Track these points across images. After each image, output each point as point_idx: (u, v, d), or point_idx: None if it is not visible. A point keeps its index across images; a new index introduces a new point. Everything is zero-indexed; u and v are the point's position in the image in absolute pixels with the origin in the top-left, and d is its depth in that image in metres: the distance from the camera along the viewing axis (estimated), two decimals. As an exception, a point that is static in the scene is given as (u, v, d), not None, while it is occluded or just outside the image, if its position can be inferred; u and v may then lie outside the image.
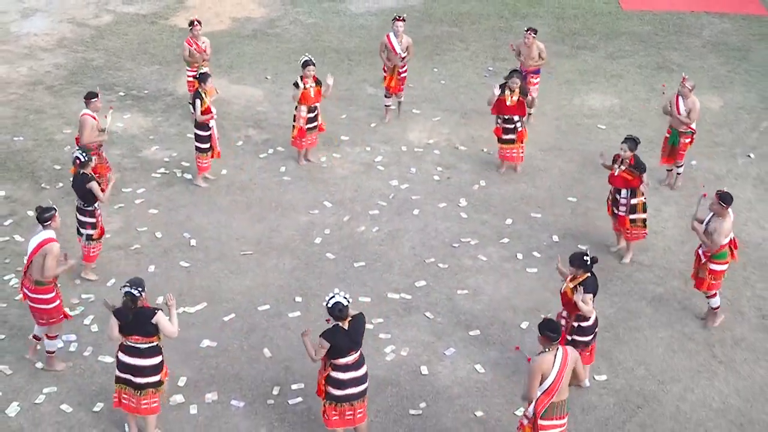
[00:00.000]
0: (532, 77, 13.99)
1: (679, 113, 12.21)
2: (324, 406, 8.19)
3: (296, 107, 13.00)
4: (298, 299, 10.66)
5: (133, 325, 8.00)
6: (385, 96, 14.56)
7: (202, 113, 12.26)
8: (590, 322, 8.88)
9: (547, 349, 7.63)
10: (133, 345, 8.08)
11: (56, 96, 15.22)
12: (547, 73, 15.15)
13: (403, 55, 14.07)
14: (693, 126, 12.29)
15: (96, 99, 11.69)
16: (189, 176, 13.00)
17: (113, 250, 11.41)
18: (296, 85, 12.80)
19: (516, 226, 12.09)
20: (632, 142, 10.95)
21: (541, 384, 7.61)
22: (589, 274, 8.75)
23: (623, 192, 11.11)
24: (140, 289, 8.00)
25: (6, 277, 10.76)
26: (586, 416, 9.11)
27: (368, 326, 10.19)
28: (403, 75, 14.31)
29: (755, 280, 11.12)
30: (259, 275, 11.06)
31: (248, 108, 14.99)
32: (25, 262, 9.18)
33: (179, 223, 12.02)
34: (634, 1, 19.70)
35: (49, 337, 9.32)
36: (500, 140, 13.14)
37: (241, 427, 8.91)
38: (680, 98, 12.21)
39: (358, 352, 8.07)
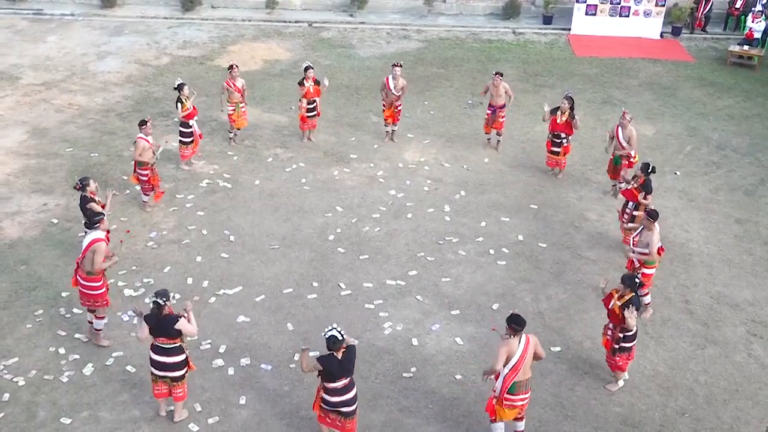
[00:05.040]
0: (501, 111, 13.90)
1: (620, 143, 12.15)
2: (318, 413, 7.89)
3: (300, 100, 13.88)
4: (315, 284, 10.65)
5: (160, 328, 7.89)
6: (385, 124, 14.55)
7: (185, 113, 12.80)
8: (634, 331, 8.64)
9: (511, 336, 7.62)
10: (160, 345, 7.96)
11: (124, 121, 15.22)
12: (515, 106, 15.13)
13: (397, 93, 13.98)
14: (632, 152, 12.21)
15: (146, 125, 11.73)
16: (229, 185, 13.00)
17: (168, 244, 11.41)
18: (301, 84, 13.72)
19: (489, 228, 12.08)
20: (644, 166, 10.93)
21: (507, 363, 7.59)
22: (633, 294, 8.50)
23: (630, 204, 11.13)
24: (165, 299, 7.87)
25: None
26: (544, 379, 9.10)
27: (370, 306, 10.23)
28: (399, 108, 14.26)
29: (680, 272, 11.11)
30: (284, 264, 11.06)
31: (276, 132, 14.98)
32: (80, 255, 9.14)
33: (221, 222, 12.02)
34: (584, 49, 19.68)
35: (97, 318, 9.27)
36: (549, 152, 13.22)
37: (269, 386, 8.92)
38: (620, 128, 12.18)
39: (348, 378, 7.55)
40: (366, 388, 8.84)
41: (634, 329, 8.65)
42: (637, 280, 8.59)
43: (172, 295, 10.06)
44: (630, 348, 8.76)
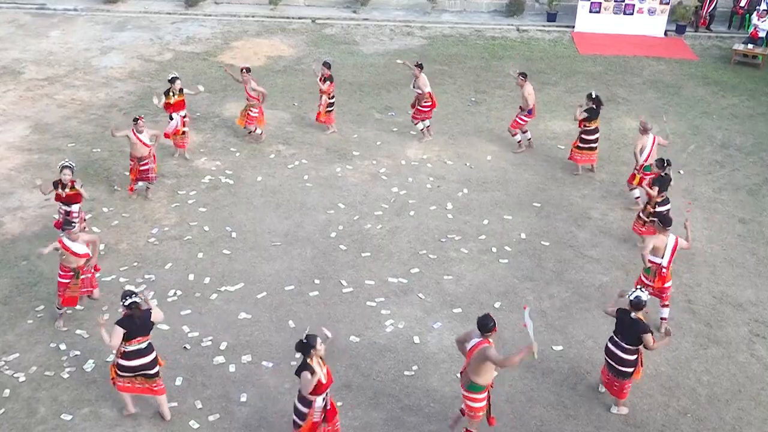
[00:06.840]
0: (525, 116, 13.71)
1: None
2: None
3: (321, 97, 14.23)
4: (317, 281, 10.63)
5: (142, 327, 7.87)
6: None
7: (165, 107, 13.11)
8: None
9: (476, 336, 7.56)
10: (134, 348, 7.87)
11: (127, 116, 15.18)
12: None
13: (414, 89, 13.99)
14: (637, 163, 12.01)
15: (137, 122, 11.93)
16: (231, 182, 12.98)
17: (170, 240, 11.39)
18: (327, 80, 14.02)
19: (491, 226, 12.05)
20: (659, 161, 11.03)
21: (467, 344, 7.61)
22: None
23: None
24: (136, 295, 7.86)
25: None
26: (546, 379, 9.08)
27: (371, 304, 10.21)
28: (419, 108, 14.14)
29: (683, 272, 11.07)
30: (285, 261, 11.04)
31: (279, 128, 14.95)
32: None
33: (223, 219, 12.00)
34: (588, 47, 19.62)
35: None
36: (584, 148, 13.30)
37: (270, 383, 8.90)
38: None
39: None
40: (367, 386, 8.83)
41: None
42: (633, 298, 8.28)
43: (173, 291, 10.18)
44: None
